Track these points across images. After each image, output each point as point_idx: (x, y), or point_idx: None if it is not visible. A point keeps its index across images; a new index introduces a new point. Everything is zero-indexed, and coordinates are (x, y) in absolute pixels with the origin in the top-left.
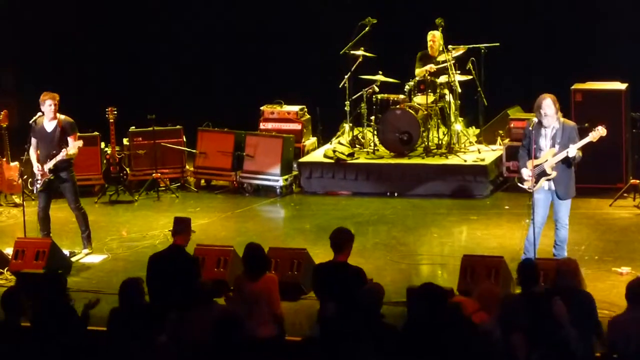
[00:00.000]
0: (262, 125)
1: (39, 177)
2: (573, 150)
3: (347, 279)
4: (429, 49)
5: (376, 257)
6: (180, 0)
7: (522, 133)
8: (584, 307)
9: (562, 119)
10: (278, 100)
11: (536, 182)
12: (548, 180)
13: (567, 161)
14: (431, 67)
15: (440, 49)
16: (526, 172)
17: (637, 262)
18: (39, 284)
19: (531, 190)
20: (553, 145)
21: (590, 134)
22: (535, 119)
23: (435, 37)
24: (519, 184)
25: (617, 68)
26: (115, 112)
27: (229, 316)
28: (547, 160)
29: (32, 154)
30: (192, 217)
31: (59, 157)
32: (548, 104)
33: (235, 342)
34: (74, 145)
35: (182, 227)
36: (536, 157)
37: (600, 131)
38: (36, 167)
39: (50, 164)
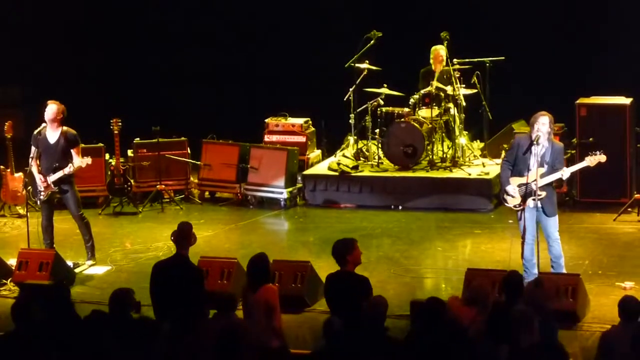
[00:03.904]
0: (266, 138)
1: (42, 189)
2: (567, 173)
3: (352, 288)
4: (432, 64)
5: (380, 270)
6: (186, 12)
7: None
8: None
9: (552, 139)
10: (283, 112)
11: (524, 200)
12: (537, 200)
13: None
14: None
15: (444, 63)
16: (512, 189)
17: None
18: (44, 294)
19: (517, 209)
20: (542, 165)
21: (587, 158)
22: (525, 135)
23: (439, 52)
24: (504, 203)
25: (622, 82)
26: (120, 124)
27: (232, 328)
28: (535, 180)
29: (33, 164)
30: (196, 229)
31: (66, 171)
32: (544, 122)
33: (238, 354)
34: (81, 162)
35: (184, 234)
36: (522, 175)
37: (598, 156)
38: (39, 178)
39: (54, 177)
